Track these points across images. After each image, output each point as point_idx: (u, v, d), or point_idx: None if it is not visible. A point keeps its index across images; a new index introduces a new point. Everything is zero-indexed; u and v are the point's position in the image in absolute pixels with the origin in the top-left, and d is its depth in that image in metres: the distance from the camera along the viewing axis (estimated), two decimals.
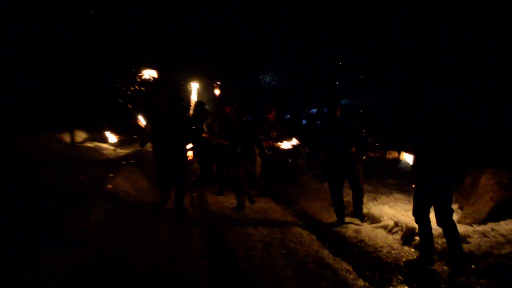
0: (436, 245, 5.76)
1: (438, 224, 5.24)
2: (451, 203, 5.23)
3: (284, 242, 6.50)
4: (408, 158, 6.49)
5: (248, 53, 30.27)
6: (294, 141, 9.30)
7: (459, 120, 7.41)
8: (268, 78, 34.85)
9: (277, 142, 9.36)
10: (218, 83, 9.74)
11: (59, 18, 20.10)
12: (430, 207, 5.36)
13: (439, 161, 5.15)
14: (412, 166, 5.54)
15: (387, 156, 8.12)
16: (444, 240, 5.58)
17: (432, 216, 5.37)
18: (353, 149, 7.38)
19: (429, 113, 5.31)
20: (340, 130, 7.43)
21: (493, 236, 5.66)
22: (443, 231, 5.22)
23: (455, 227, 5.14)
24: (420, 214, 5.43)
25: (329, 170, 7.70)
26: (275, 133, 9.57)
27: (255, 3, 25.35)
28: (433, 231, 5.56)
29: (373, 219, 7.53)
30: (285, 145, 9.23)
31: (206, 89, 15.87)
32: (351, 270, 5.35)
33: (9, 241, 5.24)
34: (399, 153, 7.62)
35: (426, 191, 5.34)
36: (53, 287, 4.45)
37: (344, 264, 5.54)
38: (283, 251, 6.10)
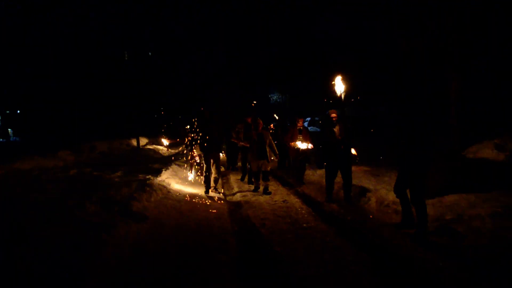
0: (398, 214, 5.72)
1: (412, 202, 5.11)
2: (423, 188, 5.08)
3: (289, 214, 6.50)
4: None
5: (260, 81, 31.54)
6: (310, 145, 9.19)
7: (434, 125, 7.28)
8: (275, 97, 35.17)
9: (297, 144, 9.19)
10: (255, 102, 9.70)
11: (127, 61, 20.53)
12: (407, 187, 5.24)
13: (418, 155, 5.04)
14: (398, 158, 5.37)
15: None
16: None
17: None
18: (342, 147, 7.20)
19: (414, 121, 5.18)
20: (337, 134, 7.29)
21: (439, 207, 5.62)
22: (415, 208, 5.02)
23: (425, 206, 4.96)
24: (399, 191, 5.32)
25: (328, 163, 7.50)
26: (301, 137, 9.26)
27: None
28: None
29: (354, 196, 7.42)
30: (303, 146, 9.08)
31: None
32: (338, 233, 5.32)
33: (96, 215, 5.31)
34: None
35: (406, 177, 5.20)
36: (126, 247, 4.52)
37: (333, 229, 5.52)
38: (288, 220, 6.09)
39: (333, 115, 7.43)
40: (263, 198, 7.88)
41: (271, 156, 8.61)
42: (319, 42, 27.26)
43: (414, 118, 5.21)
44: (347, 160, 7.26)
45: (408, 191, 5.27)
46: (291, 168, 10.55)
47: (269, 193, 8.29)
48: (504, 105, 10.75)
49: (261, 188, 8.50)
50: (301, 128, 9.44)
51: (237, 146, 10.40)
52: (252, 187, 8.86)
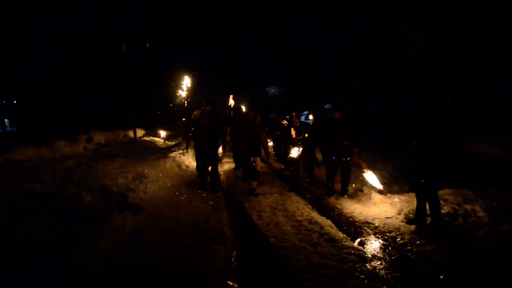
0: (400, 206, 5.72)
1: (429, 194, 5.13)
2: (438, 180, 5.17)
3: (285, 207, 6.48)
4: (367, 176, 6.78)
5: (259, 76, 31.77)
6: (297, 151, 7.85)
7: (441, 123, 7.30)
8: (273, 90, 35.13)
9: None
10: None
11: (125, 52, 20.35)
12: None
13: (430, 150, 5.08)
14: (409, 153, 5.35)
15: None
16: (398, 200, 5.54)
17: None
18: (347, 143, 7.04)
19: (425, 119, 5.22)
20: (340, 129, 7.18)
21: None
22: (431, 200, 5.09)
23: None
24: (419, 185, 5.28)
25: (330, 158, 7.41)
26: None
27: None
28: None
29: (352, 189, 7.37)
30: (294, 153, 7.81)
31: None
32: (333, 225, 5.33)
33: (92, 205, 5.28)
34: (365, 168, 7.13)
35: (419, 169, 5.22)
36: (121, 237, 4.50)
37: (329, 222, 5.52)
38: (284, 213, 6.09)
39: (337, 113, 7.31)
40: (260, 191, 7.82)
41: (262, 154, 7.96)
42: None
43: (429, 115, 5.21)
44: (349, 156, 7.18)
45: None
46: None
47: (256, 195, 7.54)
48: (501, 103, 10.77)
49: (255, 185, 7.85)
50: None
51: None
52: (251, 184, 8.39)
